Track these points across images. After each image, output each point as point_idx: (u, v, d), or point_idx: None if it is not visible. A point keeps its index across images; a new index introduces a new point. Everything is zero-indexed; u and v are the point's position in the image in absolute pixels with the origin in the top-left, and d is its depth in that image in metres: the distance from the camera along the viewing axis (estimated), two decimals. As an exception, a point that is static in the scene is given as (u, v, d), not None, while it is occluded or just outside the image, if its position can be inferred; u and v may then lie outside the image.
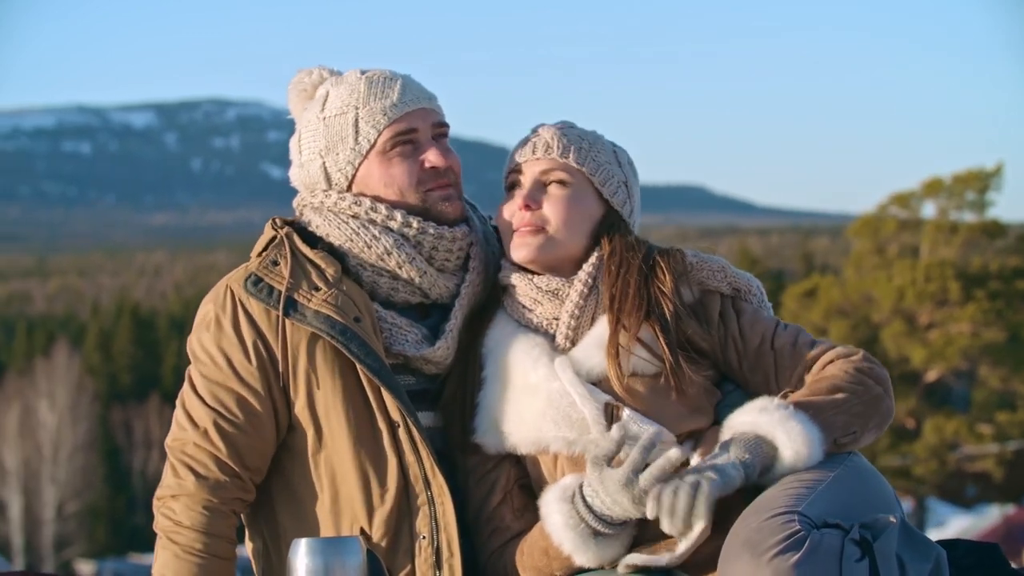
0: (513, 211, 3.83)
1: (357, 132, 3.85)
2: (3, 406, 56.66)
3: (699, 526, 3.43)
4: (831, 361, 3.69)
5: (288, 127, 4.04)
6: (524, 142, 3.88)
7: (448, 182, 3.89)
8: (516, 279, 3.83)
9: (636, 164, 3.94)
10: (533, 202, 3.81)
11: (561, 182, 3.83)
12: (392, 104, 3.85)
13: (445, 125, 3.94)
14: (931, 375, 39.65)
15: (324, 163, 3.89)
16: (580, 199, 3.83)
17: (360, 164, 3.86)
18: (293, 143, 3.98)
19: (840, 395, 3.58)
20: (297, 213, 3.97)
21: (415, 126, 3.87)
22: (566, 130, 3.87)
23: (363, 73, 3.90)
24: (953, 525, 43.78)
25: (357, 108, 3.85)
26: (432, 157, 3.86)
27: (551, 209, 3.81)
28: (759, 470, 3.47)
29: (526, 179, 3.84)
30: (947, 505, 46.35)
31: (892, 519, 3.38)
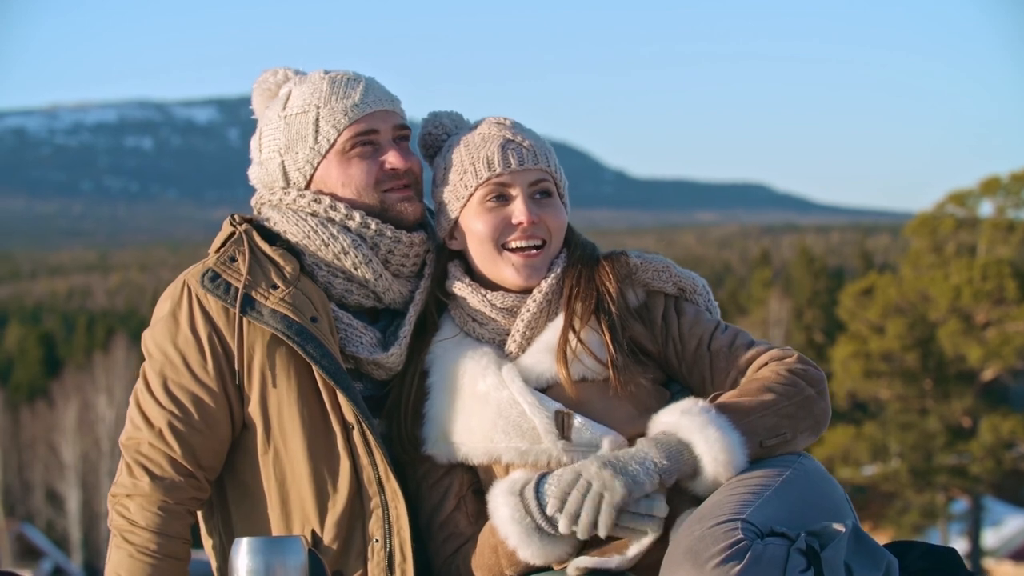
0: (504, 226, 3.70)
1: (317, 131, 3.78)
2: (62, 401, 56.96)
3: (653, 532, 3.40)
4: (764, 364, 3.61)
5: None
6: (502, 150, 3.70)
7: (407, 183, 3.81)
8: (467, 292, 3.73)
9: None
10: (536, 216, 3.69)
11: (547, 192, 3.74)
12: (354, 104, 3.78)
13: (407, 128, 3.86)
14: (987, 374, 39.44)
15: (283, 161, 3.82)
16: (562, 206, 3.77)
17: (319, 164, 3.79)
18: (254, 141, 3.91)
19: (769, 396, 3.50)
20: (255, 212, 3.90)
21: (376, 127, 3.79)
22: (531, 132, 3.76)
23: (327, 73, 3.83)
24: (1010, 524, 43.51)
25: (318, 107, 3.78)
26: (392, 158, 3.78)
27: (550, 221, 3.71)
28: (677, 476, 3.41)
29: (516, 191, 3.71)
30: (1003, 504, 46.00)
31: (841, 527, 3.29)
